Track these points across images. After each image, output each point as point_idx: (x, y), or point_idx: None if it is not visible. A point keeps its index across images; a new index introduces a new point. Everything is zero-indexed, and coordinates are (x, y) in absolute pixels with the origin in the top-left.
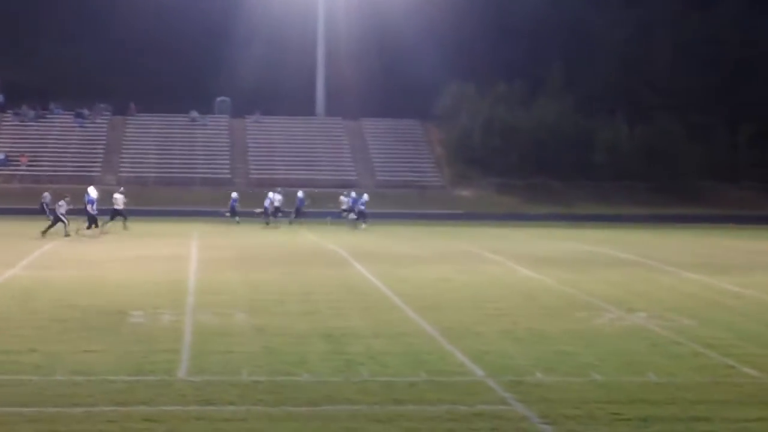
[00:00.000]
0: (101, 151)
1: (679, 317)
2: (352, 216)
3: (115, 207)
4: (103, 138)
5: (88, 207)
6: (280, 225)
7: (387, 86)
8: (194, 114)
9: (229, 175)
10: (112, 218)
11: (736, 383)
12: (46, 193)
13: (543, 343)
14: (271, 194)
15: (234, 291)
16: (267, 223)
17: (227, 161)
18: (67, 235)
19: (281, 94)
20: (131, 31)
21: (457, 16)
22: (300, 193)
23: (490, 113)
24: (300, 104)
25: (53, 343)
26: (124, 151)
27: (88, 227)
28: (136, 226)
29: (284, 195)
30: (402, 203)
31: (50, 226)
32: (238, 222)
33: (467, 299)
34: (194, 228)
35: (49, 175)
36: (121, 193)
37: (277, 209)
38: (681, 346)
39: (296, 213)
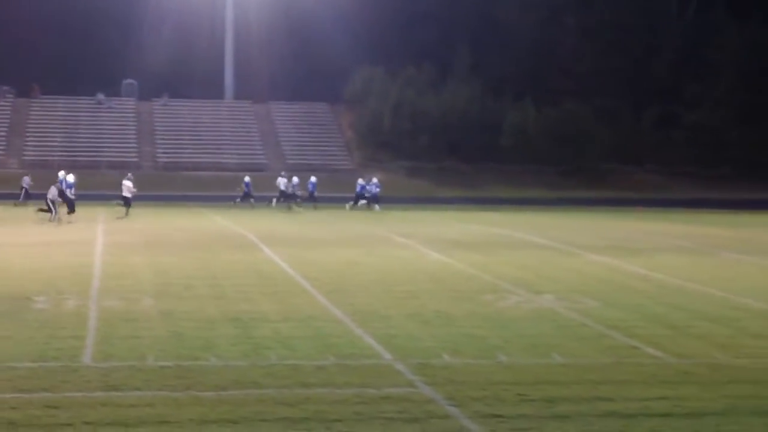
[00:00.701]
0: (4, 134)
1: (585, 299)
2: (362, 202)
3: (124, 194)
4: (6, 121)
5: (67, 192)
6: (303, 209)
7: (296, 70)
8: (100, 96)
9: (136, 159)
10: (126, 205)
11: (640, 363)
12: (26, 177)
13: (450, 326)
14: (282, 179)
15: (140, 275)
16: (290, 207)
17: (134, 145)
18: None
19: (189, 77)
20: (35, 12)
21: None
22: (313, 178)
23: (400, 97)
24: (208, 88)
25: None
26: (28, 134)
27: (69, 212)
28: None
29: (288, 178)
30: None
31: (48, 210)
32: (252, 205)
33: (376, 283)
34: (100, 212)
35: None
36: (129, 179)
37: (294, 194)
38: (586, 328)
39: (310, 197)
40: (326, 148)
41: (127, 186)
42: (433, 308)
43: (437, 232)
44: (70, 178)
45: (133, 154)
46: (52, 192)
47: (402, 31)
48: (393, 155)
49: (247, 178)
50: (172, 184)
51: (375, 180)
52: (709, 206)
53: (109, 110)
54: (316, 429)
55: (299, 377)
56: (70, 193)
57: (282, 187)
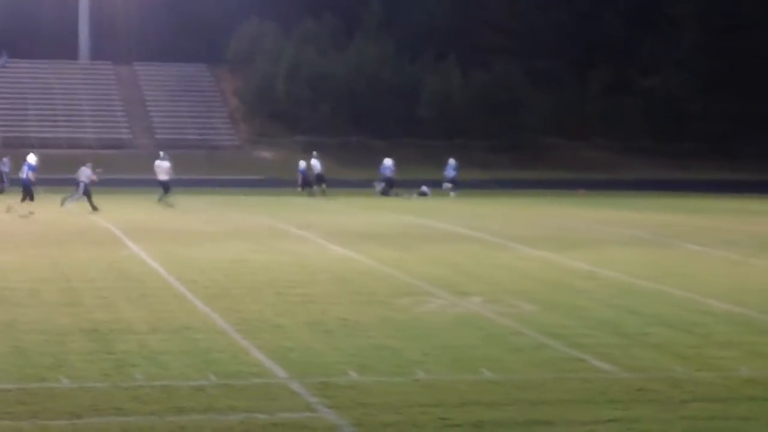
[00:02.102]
0: None
1: (519, 302)
2: (378, 186)
3: (160, 178)
4: None
5: (30, 176)
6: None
7: (167, 24)
8: None
9: None
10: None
11: (585, 379)
12: (5, 159)
13: (358, 337)
14: (305, 162)
15: None
16: (312, 194)
17: None
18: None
19: (34, 32)
20: None
21: None
22: (388, 161)
23: (296, 57)
24: (59, 45)
25: None
26: None
27: (24, 199)
28: None
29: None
30: (187, 167)
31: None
32: (312, 194)
33: (267, 285)
34: None
35: None
36: (163, 159)
37: (319, 176)
38: (521, 337)
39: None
40: (205, 119)
41: (164, 167)
42: (337, 315)
43: (341, 222)
44: (32, 159)
45: None
46: None
47: None
48: (288, 128)
49: (302, 163)
50: (13, 165)
51: (389, 162)
52: (667, 188)
53: None
54: None
55: (172, 401)
56: (33, 177)
57: (319, 169)
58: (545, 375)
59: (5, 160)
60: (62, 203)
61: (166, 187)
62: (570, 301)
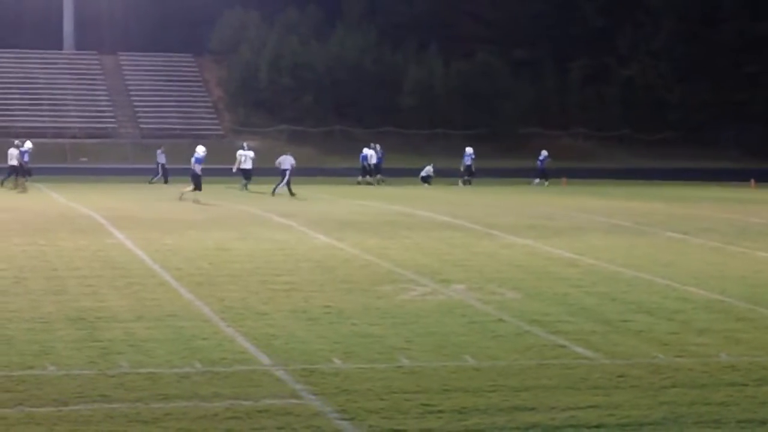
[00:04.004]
0: None
1: (501, 289)
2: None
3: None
4: None
5: (196, 168)
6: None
7: (151, 14)
8: None
9: None
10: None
11: (567, 365)
12: (159, 150)
13: (341, 324)
14: (370, 151)
15: None
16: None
17: None
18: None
19: (18, 22)
20: None
21: None
22: (469, 150)
23: (279, 47)
24: (43, 36)
25: None
26: None
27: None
28: None
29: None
30: (171, 156)
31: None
32: (379, 183)
33: (250, 272)
34: None
35: None
36: (247, 149)
37: (376, 166)
38: (503, 324)
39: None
40: (189, 109)
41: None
42: (321, 303)
43: (325, 210)
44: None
45: None
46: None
47: None
48: (271, 118)
49: (366, 151)
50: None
51: (470, 150)
52: (646, 177)
53: None
54: None
55: (157, 388)
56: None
57: (374, 160)
58: (527, 362)
59: (159, 151)
60: (272, 192)
61: (248, 175)
62: (552, 289)
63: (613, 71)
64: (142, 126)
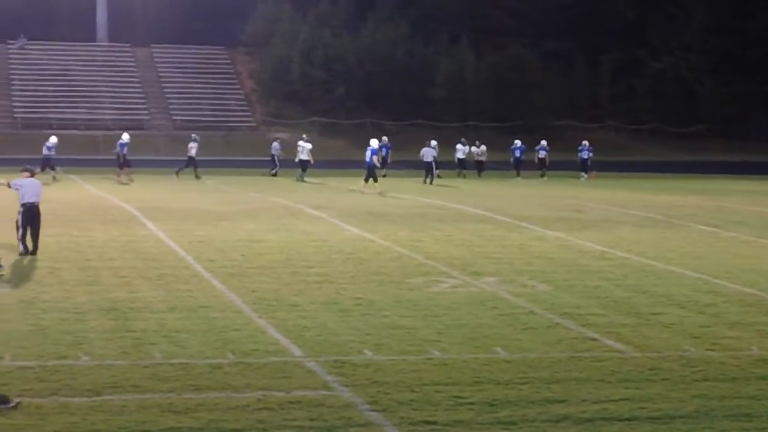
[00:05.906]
0: None
1: (532, 282)
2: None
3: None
4: None
5: (375, 159)
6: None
7: (184, 6)
8: None
9: None
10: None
11: (598, 358)
12: (275, 143)
13: (373, 316)
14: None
15: None
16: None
17: None
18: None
19: (52, 14)
20: None
21: None
22: (519, 141)
23: (311, 39)
24: (77, 28)
25: None
26: None
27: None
28: None
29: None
30: (204, 148)
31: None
32: (464, 175)
33: (283, 264)
34: None
35: None
36: (306, 141)
37: (461, 160)
38: (534, 316)
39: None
40: (222, 101)
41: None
42: (352, 295)
43: (356, 202)
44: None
45: None
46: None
47: None
48: (303, 110)
49: (433, 143)
50: (33, 146)
51: (544, 142)
52: (677, 170)
53: None
54: None
55: (189, 379)
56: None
57: (461, 155)
58: (558, 354)
59: (276, 144)
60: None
61: (305, 166)
62: (583, 281)
63: (644, 64)
64: (174, 118)
